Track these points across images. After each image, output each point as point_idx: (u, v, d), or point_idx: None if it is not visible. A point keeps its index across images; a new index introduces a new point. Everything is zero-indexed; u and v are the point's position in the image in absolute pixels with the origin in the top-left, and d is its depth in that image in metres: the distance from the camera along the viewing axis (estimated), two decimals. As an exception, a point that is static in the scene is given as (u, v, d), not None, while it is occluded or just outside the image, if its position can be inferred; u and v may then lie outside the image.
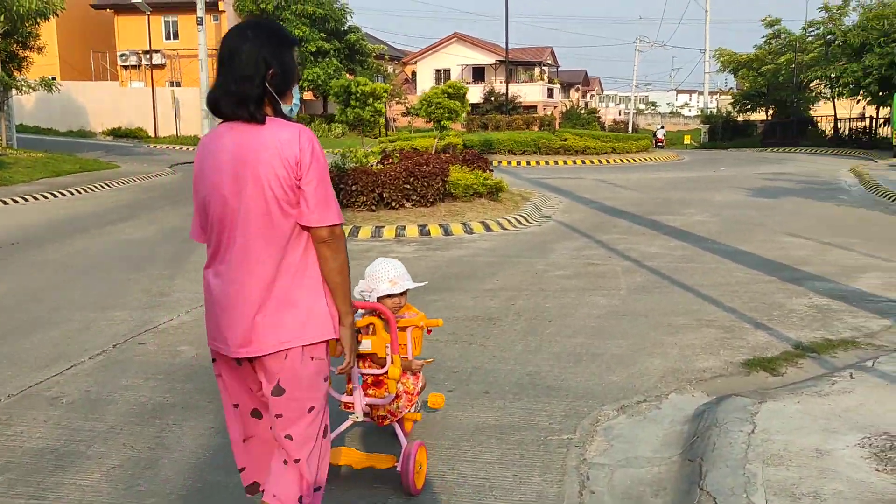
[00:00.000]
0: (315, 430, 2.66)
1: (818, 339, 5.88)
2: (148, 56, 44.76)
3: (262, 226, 2.48)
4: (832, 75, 36.71)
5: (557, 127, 62.21)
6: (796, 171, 23.99)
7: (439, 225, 11.45)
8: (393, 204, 12.12)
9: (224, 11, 45.28)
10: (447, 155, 16.61)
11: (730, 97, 54.38)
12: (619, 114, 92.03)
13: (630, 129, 71.17)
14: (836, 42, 36.53)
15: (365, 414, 3.53)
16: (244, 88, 2.48)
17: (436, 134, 16.75)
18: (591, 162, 28.79)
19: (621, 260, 9.29)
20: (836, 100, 40.08)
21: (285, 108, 2.61)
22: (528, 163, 28.11)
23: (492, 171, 16.67)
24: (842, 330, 6.17)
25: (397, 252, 9.85)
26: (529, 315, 6.70)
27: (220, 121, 2.60)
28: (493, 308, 6.97)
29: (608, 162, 29.04)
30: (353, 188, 11.95)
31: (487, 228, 11.68)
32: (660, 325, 6.37)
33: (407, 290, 3.71)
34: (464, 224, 11.59)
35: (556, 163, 28.20)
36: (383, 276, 3.67)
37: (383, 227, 11.33)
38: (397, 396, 3.64)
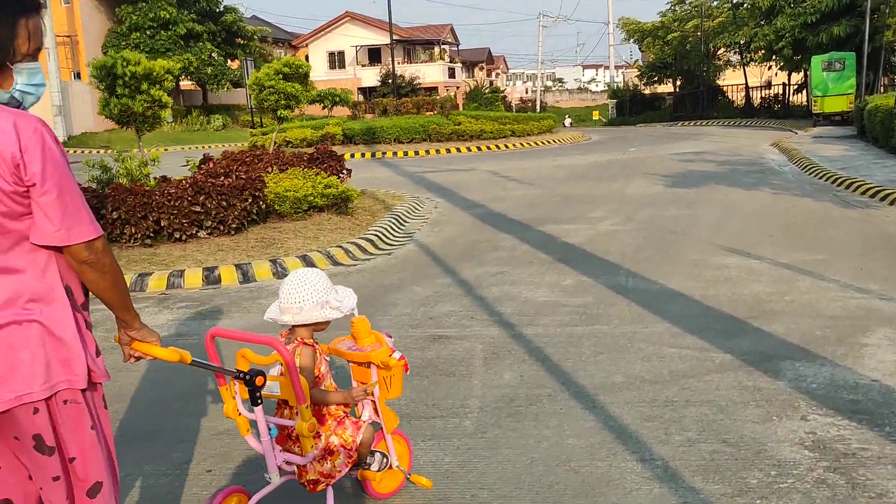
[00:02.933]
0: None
1: None
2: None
3: None
4: (741, 41, 34.37)
5: (462, 108, 59.29)
6: (714, 149, 21.23)
7: (237, 266, 7.83)
8: (177, 235, 8.41)
9: (76, -7, 40.05)
10: (291, 154, 12.95)
11: (636, 70, 52.09)
12: (527, 91, 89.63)
13: (538, 107, 68.99)
14: (745, 5, 34.23)
15: (291, 473, 2.88)
16: None
17: (272, 127, 13.11)
18: (489, 148, 25.49)
19: (487, 324, 5.88)
20: (746, 67, 37.93)
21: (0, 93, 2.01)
22: (417, 153, 24.62)
23: (346, 172, 13.16)
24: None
25: (152, 321, 6.22)
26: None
27: None
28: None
29: (507, 147, 25.79)
30: (115, 216, 8.16)
31: (311, 266, 8.12)
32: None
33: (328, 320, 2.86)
34: (274, 262, 7.99)
35: (448, 151, 24.79)
36: (291, 299, 2.84)
37: (151, 273, 7.62)
38: (332, 453, 2.87)
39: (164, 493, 3.49)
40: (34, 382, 1.98)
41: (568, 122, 50.74)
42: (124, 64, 8.98)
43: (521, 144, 26.29)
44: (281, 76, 12.50)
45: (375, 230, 9.88)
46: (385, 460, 3.10)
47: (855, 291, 6.31)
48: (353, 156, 24.35)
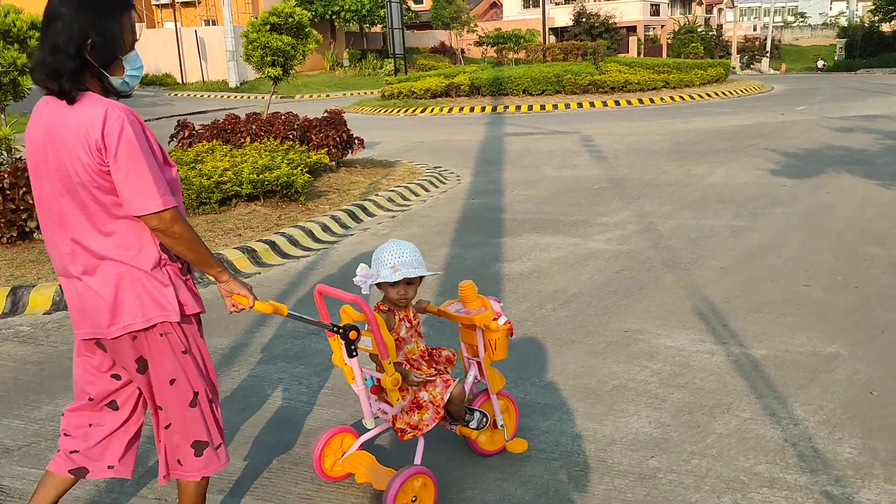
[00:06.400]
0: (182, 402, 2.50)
1: None
2: (178, -8, 40.68)
3: (79, 212, 2.32)
4: None
5: (665, 50, 54.00)
6: (906, 111, 16.43)
7: (12, 291, 5.94)
8: (-5, 239, 6.73)
9: (256, -63, 40.23)
10: (284, 121, 10.91)
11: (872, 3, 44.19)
12: (755, 29, 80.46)
13: (768, 46, 61.63)
14: None
15: (386, 422, 3.06)
16: (58, 60, 2.24)
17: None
18: (629, 102, 21.84)
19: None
20: None
21: (115, 80, 2.37)
22: (543, 107, 21.58)
23: (357, 141, 11.09)
24: None
25: None
26: None
27: None
28: None
29: (652, 101, 21.97)
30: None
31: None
32: None
33: (417, 278, 2.99)
34: (13, 293, 5.99)
35: (579, 105, 21.51)
36: (385, 260, 2.96)
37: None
38: (420, 407, 2.98)
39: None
40: (136, 316, 2.35)
41: (821, 63, 46.28)
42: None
43: (672, 98, 22.32)
44: (268, 27, 10.45)
45: (294, 232, 7.65)
46: (485, 420, 3.17)
47: (800, 474, 3.22)
48: (472, 109, 21.86)
